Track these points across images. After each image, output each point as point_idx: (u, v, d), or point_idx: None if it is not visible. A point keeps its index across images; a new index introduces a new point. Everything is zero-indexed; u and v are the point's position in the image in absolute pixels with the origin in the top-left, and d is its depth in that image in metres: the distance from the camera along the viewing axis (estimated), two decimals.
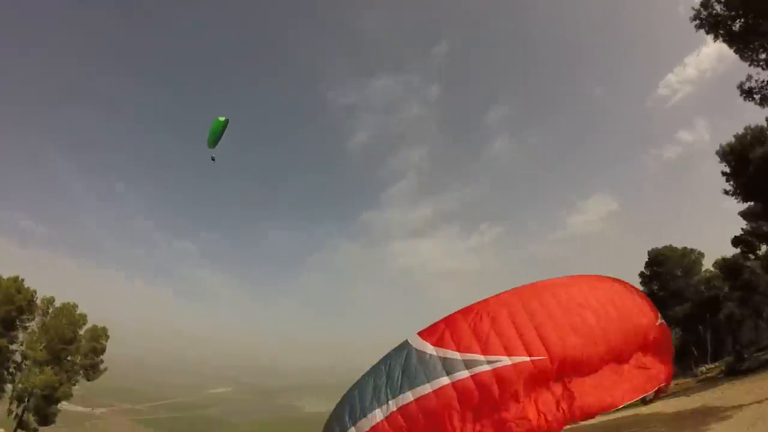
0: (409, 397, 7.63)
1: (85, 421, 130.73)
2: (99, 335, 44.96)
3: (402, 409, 7.64)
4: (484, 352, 7.61)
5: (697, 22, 19.00)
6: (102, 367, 45.67)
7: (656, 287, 45.10)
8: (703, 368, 33.33)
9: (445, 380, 7.46)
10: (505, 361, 7.55)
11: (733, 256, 41.63)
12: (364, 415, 7.98)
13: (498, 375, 7.49)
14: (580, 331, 8.18)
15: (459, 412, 7.49)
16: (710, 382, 23.60)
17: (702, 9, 18.70)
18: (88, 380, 45.70)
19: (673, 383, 29.60)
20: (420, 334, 8.45)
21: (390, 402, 7.78)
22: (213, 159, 11.27)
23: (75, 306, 43.25)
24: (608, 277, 9.58)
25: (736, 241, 37.99)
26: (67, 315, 42.18)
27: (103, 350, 45.30)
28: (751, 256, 39.82)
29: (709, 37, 19.52)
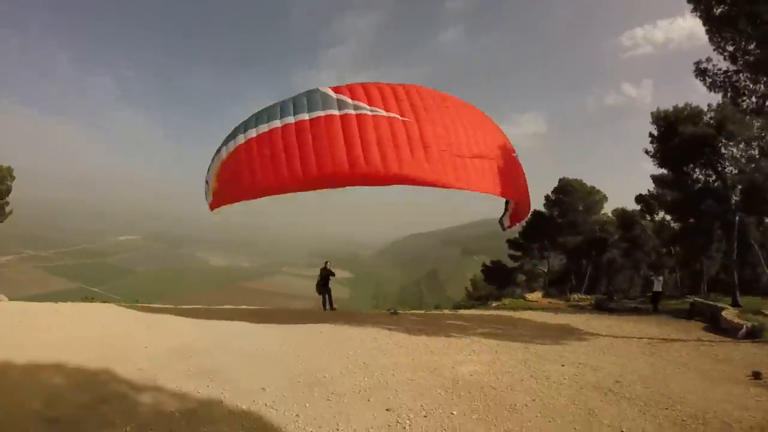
0: (305, 116, 9.22)
1: None
2: (3, 176, 40.34)
3: (298, 123, 9.28)
4: (370, 103, 9.37)
5: None
6: (7, 210, 41.37)
7: (557, 213, 48.01)
8: (576, 296, 36.75)
9: (335, 112, 9.02)
10: (382, 112, 9.42)
11: (632, 210, 45.14)
12: (265, 122, 9.51)
13: (375, 120, 9.30)
14: (453, 119, 10.06)
15: (337, 137, 9.23)
16: (578, 309, 26.34)
17: None
18: None
19: (546, 301, 33.58)
20: (327, 88, 10.31)
21: (290, 117, 9.35)
22: None
23: None
24: None
25: (639, 199, 41.23)
26: None
27: (8, 192, 40.71)
28: (648, 217, 43.65)
29: (688, 15, 19.50)
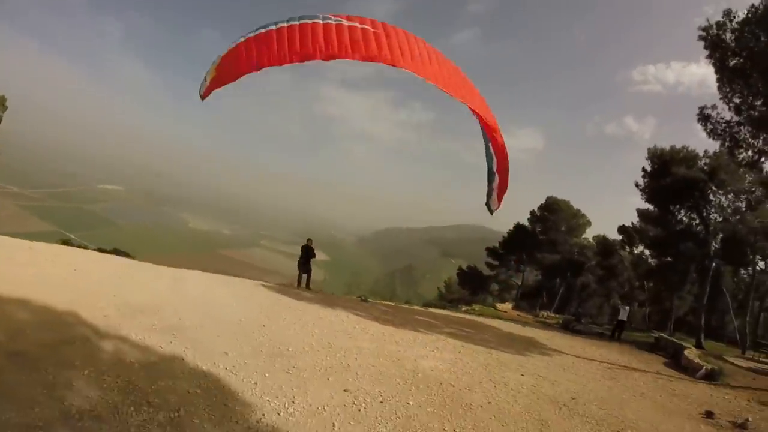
0: (295, 22, 9.32)
1: None
2: None
3: (289, 26, 9.45)
4: (349, 20, 9.53)
5: (703, 34, 19.24)
6: None
7: (539, 229, 48.46)
8: (545, 314, 37.16)
9: (318, 21, 9.15)
10: (357, 23, 9.60)
11: (612, 240, 45.65)
12: (261, 28, 9.64)
13: (351, 27, 9.45)
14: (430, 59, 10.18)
15: (317, 29, 9.38)
16: (545, 326, 26.65)
17: (714, 27, 18.91)
18: None
19: (516, 313, 33.87)
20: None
21: (282, 23, 9.47)
22: None
23: None
24: None
25: (621, 230, 41.70)
26: None
27: None
28: (627, 248, 44.14)
29: (703, 61, 19.75)
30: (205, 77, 8.71)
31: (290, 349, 9.06)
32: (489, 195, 10.12)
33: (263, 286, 17.28)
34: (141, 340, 7.86)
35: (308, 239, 20.39)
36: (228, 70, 8.63)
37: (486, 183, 10.14)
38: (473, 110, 9.74)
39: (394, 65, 9.38)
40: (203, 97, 8.56)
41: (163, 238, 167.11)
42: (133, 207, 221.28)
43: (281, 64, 8.72)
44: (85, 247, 19.24)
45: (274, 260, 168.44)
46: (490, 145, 9.87)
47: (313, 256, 20.14)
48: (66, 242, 21.32)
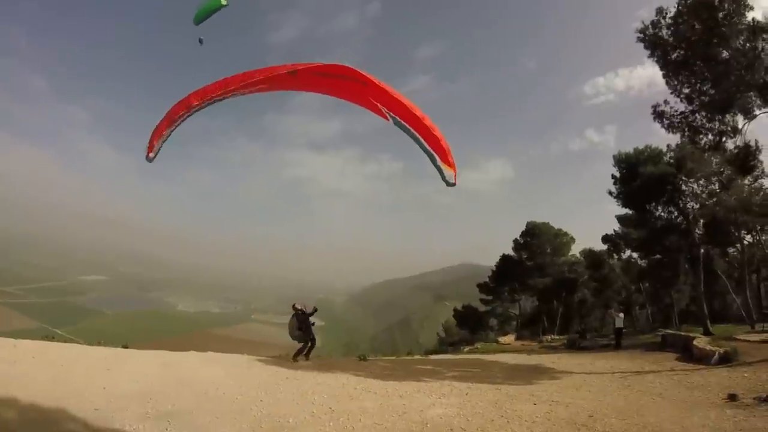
0: None
1: None
2: None
3: None
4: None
5: (641, 35, 19.87)
6: None
7: (525, 256, 48.18)
8: (549, 337, 36.52)
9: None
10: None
11: (599, 250, 45.67)
12: None
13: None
14: None
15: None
16: (551, 350, 26.27)
17: (650, 27, 19.56)
18: None
19: (519, 343, 33.28)
20: None
21: None
22: (201, 41, 10.36)
23: None
24: None
25: (605, 239, 41.86)
26: None
27: None
28: (615, 256, 44.15)
29: (647, 62, 20.37)
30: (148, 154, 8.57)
31: (291, 421, 8.63)
32: (440, 171, 9.79)
33: (258, 360, 16.69)
34: (135, 430, 7.59)
35: (293, 305, 17.52)
36: (163, 118, 8.57)
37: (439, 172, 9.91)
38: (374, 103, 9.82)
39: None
40: (149, 152, 8.39)
41: (153, 323, 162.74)
42: (118, 296, 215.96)
43: (207, 98, 8.67)
44: (72, 341, 18.52)
45: (268, 333, 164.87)
46: (411, 130, 9.71)
47: (311, 313, 17.48)
48: (51, 337, 20.53)
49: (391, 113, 9.68)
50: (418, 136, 9.71)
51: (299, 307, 17.23)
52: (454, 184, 9.83)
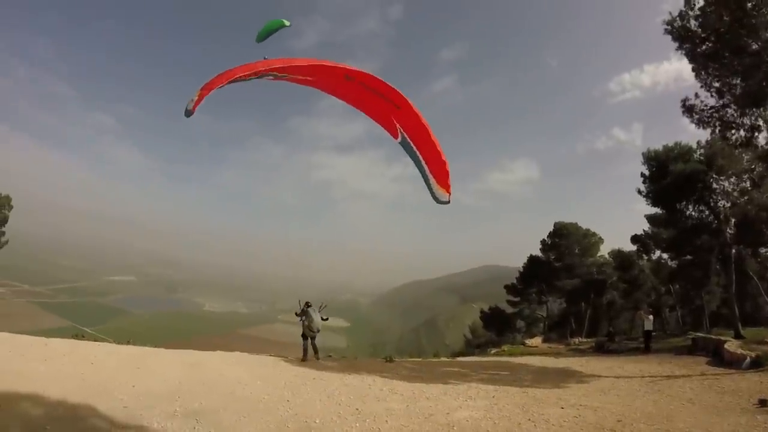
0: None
1: None
2: (1, 204, 39.80)
3: None
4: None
5: (668, 27, 19.46)
6: (3, 240, 40.90)
7: (553, 257, 47.47)
8: (576, 340, 36.05)
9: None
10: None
11: (628, 251, 44.85)
12: None
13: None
14: None
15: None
16: (579, 352, 25.96)
17: (678, 19, 19.16)
18: None
19: (546, 346, 32.93)
20: None
21: None
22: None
23: None
24: None
25: (635, 239, 41.00)
26: None
27: (5, 221, 40.35)
28: (645, 257, 43.31)
29: (674, 56, 19.93)
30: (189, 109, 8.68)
31: (318, 421, 8.74)
32: (432, 191, 10.00)
33: (285, 360, 16.83)
34: (163, 428, 7.71)
35: (305, 302, 17.72)
36: (210, 83, 8.78)
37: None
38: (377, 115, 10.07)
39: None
40: (194, 107, 8.53)
41: (181, 323, 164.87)
42: (146, 296, 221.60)
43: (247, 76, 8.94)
44: (102, 340, 18.90)
45: (295, 333, 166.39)
46: (417, 153, 9.93)
47: (301, 312, 17.50)
48: (81, 335, 20.98)
49: (406, 132, 9.95)
50: (419, 155, 10.01)
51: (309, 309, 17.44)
52: (446, 203, 10.10)
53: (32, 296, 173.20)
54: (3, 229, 40.85)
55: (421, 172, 10.08)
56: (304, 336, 17.54)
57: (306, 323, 17.32)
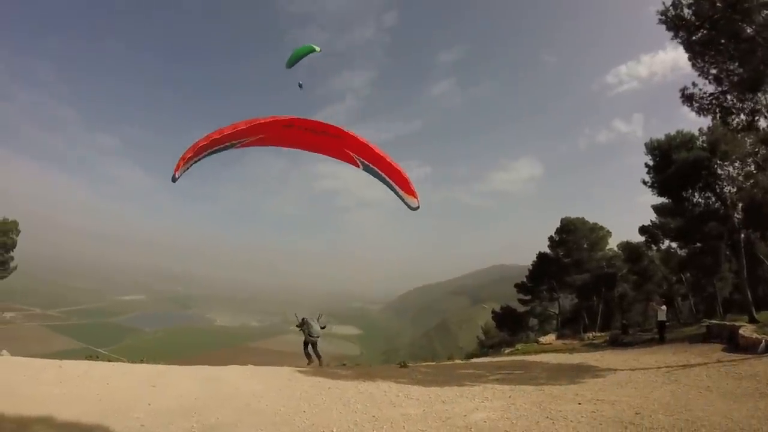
0: None
1: None
2: (9, 229, 40.05)
3: None
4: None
5: (662, 17, 19.41)
6: (12, 265, 41.03)
7: (562, 253, 47.43)
8: (590, 335, 35.83)
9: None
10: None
11: (637, 242, 44.60)
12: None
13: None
14: None
15: None
16: (593, 347, 25.83)
17: (671, 9, 19.14)
18: None
19: (560, 343, 32.77)
20: None
21: None
22: (300, 86, 10.92)
23: None
24: None
25: (642, 230, 40.75)
26: None
27: (13, 246, 40.57)
28: (653, 247, 43.08)
29: (669, 45, 19.92)
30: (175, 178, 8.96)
31: (335, 430, 8.73)
32: (403, 200, 10.45)
33: (298, 371, 16.82)
34: None
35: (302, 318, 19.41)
36: (190, 148, 8.99)
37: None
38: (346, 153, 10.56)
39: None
40: (175, 172, 8.70)
41: (193, 339, 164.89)
42: (158, 314, 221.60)
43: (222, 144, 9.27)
44: (116, 360, 18.93)
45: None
46: (377, 170, 10.38)
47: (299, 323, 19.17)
48: (95, 356, 21.07)
49: (361, 158, 10.49)
50: (382, 174, 10.46)
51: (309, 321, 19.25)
52: (417, 208, 10.56)
53: (43, 319, 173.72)
54: (12, 254, 40.98)
55: (389, 187, 10.45)
56: (306, 343, 19.13)
57: (306, 331, 18.90)
